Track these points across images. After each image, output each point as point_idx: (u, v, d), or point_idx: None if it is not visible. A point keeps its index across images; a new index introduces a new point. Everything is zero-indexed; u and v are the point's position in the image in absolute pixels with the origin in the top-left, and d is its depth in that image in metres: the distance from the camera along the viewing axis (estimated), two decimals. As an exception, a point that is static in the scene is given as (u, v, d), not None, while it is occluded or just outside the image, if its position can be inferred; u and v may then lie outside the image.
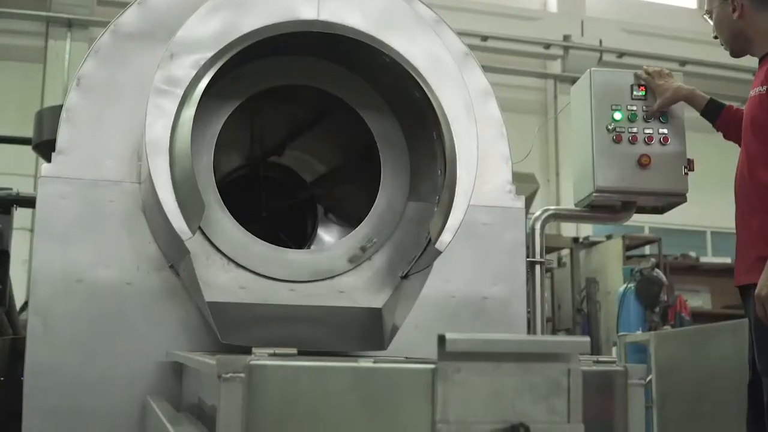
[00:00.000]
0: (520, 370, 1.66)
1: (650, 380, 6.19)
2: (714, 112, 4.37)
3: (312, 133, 4.31)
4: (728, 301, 12.85)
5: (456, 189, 3.40)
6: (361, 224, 3.71)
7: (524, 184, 4.74)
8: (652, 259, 10.73)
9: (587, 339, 1.71)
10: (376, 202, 3.73)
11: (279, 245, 3.61)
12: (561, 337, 1.74)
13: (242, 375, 1.86)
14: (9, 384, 6.71)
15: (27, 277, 3.99)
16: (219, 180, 3.63)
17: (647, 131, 4.43)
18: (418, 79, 3.47)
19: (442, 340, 1.62)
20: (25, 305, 7.18)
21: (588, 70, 4.60)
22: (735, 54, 4.24)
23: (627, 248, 12.94)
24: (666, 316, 10.84)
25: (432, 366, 1.63)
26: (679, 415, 5.65)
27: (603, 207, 4.59)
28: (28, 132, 5.42)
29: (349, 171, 4.33)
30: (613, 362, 2.13)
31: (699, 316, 11.64)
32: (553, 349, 1.68)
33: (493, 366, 1.65)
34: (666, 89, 4.45)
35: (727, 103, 4.42)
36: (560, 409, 1.67)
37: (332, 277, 3.62)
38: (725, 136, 4.36)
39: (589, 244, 13.49)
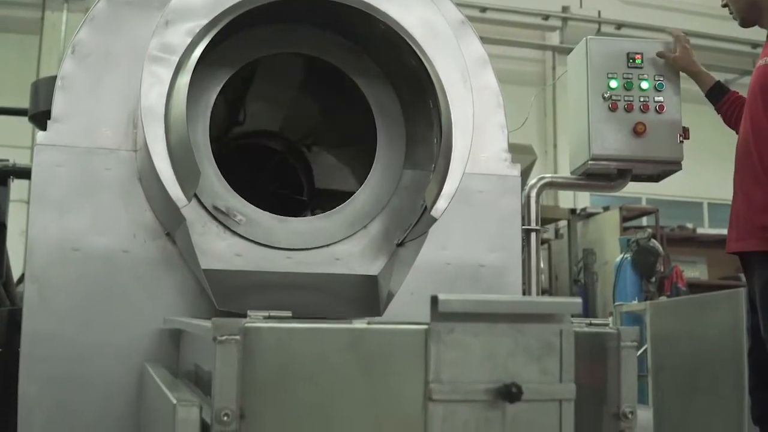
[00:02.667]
0: (513, 331, 1.67)
1: (645, 350, 6.21)
2: (718, 94, 4.37)
3: (305, 100, 4.31)
4: (724, 272, 12.89)
5: (452, 156, 3.41)
6: (357, 192, 3.72)
7: (522, 155, 4.74)
8: (649, 230, 10.77)
9: (579, 300, 1.72)
10: (371, 170, 3.74)
11: (276, 213, 3.62)
12: (553, 298, 1.75)
13: (237, 337, 1.87)
14: (7, 355, 6.75)
15: (24, 249, 4.00)
16: (217, 148, 3.63)
17: (643, 99, 4.43)
18: (414, 47, 3.47)
19: (435, 300, 1.63)
20: (23, 277, 7.20)
21: (584, 38, 4.60)
22: (744, 24, 4.25)
23: (624, 219, 12.96)
24: (662, 287, 10.87)
25: (425, 327, 1.64)
26: (674, 385, 5.67)
27: (599, 175, 4.60)
28: (25, 104, 5.42)
29: (340, 130, 4.32)
30: (606, 325, 2.15)
31: (695, 287, 11.66)
32: (546, 309, 1.69)
33: (485, 327, 1.66)
34: (690, 56, 4.45)
35: (728, 85, 4.44)
36: (552, 369, 1.69)
37: (328, 245, 3.63)
38: (725, 119, 4.36)
39: (587, 215, 13.51)
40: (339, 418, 1.75)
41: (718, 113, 4.39)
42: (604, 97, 4.42)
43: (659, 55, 4.46)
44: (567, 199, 15.21)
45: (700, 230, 14.85)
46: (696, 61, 4.48)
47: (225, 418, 1.83)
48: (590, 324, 2.11)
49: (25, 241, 3.48)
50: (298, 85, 4.25)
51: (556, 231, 14.00)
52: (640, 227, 12.52)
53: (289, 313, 2.01)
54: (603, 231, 13.00)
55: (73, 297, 3.38)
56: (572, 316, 1.80)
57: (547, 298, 1.77)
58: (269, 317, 1.97)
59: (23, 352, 3.32)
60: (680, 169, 4.57)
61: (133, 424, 3.29)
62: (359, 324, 1.77)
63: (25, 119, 5.45)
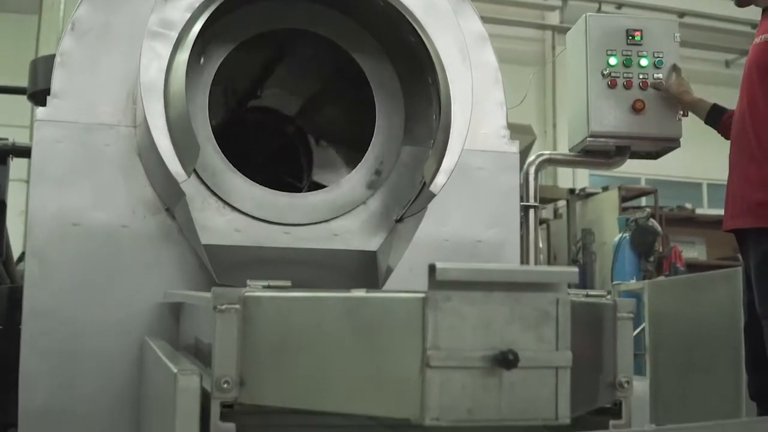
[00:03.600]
0: (510, 300, 1.68)
1: (643, 328, 6.24)
2: (717, 115, 4.38)
3: (324, 94, 4.32)
4: (723, 252, 12.92)
5: (450, 132, 3.42)
6: (356, 168, 3.73)
7: (521, 135, 4.75)
8: (648, 209, 10.79)
9: (575, 269, 1.73)
10: (370, 146, 3.75)
11: (275, 188, 3.63)
12: (550, 267, 1.76)
13: (237, 306, 1.89)
14: (7, 333, 6.77)
15: (24, 228, 4.01)
16: (216, 125, 3.65)
17: (642, 76, 4.45)
18: (413, 23, 3.47)
19: (432, 269, 1.64)
20: (23, 256, 7.22)
21: (584, 14, 4.61)
22: (740, 4, 4.25)
23: (623, 199, 12.99)
24: (661, 267, 10.91)
25: (422, 295, 1.65)
26: (671, 362, 5.70)
27: (597, 152, 4.63)
28: (23, 83, 5.42)
29: (330, 95, 4.33)
30: (603, 296, 2.17)
31: (694, 267, 11.70)
32: (542, 278, 1.71)
33: (483, 295, 1.67)
34: (683, 86, 4.47)
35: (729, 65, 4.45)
36: (549, 337, 1.70)
37: (327, 221, 3.65)
38: (727, 136, 4.36)
39: (585, 195, 13.54)
40: (337, 385, 1.76)
41: (721, 133, 4.38)
42: (603, 74, 4.44)
43: (654, 86, 4.47)
44: (566, 179, 15.24)
45: (699, 211, 14.90)
46: (690, 91, 4.50)
47: (225, 385, 1.85)
48: (588, 295, 2.13)
49: (25, 220, 3.49)
50: (323, 78, 4.25)
51: (555, 211, 14.05)
52: (639, 207, 12.56)
53: (288, 283, 2.03)
54: (602, 211, 13.03)
55: (74, 272, 3.39)
56: (570, 288, 1.81)
57: (543, 267, 1.78)
58: (268, 287, 1.99)
59: (24, 326, 3.34)
60: (679, 146, 4.59)
61: (134, 397, 3.32)
62: (358, 293, 1.79)
63: (23, 98, 5.45)
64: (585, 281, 12.02)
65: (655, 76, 4.47)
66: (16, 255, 6.58)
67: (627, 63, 4.46)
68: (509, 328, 1.70)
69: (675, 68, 4.52)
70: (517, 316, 1.70)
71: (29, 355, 3.33)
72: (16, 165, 5.86)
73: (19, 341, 3.34)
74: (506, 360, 1.66)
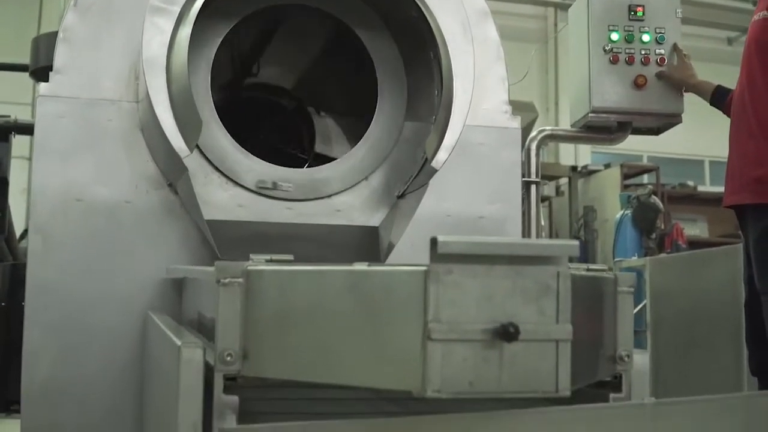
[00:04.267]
0: (511, 273, 1.69)
1: (644, 305, 6.25)
2: (722, 95, 4.37)
3: (321, 66, 4.32)
4: (725, 230, 12.93)
5: (452, 108, 3.42)
6: (357, 145, 3.74)
7: (523, 113, 4.74)
8: (649, 186, 10.79)
9: (576, 242, 1.74)
10: (372, 122, 3.75)
11: (278, 164, 3.64)
12: (551, 240, 1.77)
13: (240, 280, 1.90)
14: (10, 310, 6.80)
15: (26, 205, 4.02)
16: (219, 100, 3.65)
17: (644, 52, 4.44)
18: (415, -2, 3.47)
19: (434, 242, 1.65)
20: (25, 233, 7.24)
21: (586, -11, 4.60)
22: None
23: (625, 177, 13.00)
24: (663, 245, 10.93)
25: (424, 268, 1.66)
26: (672, 340, 5.71)
27: (599, 128, 4.63)
28: (25, 61, 5.42)
29: (332, 70, 4.33)
30: (604, 269, 2.17)
31: (695, 245, 11.71)
32: (543, 251, 1.72)
33: (484, 268, 1.68)
34: (688, 70, 4.47)
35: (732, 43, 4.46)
36: (549, 310, 1.71)
37: (329, 196, 3.66)
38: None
39: (588, 172, 13.54)
40: (339, 358, 1.77)
41: (726, 114, 4.37)
42: (605, 50, 4.44)
43: (658, 75, 4.47)
44: (568, 157, 15.22)
45: (701, 188, 14.89)
46: (694, 74, 4.50)
47: (228, 358, 1.86)
48: (589, 269, 2.14)
49: (27, 199, 3.50)
50: (318, 51, 4.25)
51: (557, 188, 14.04)
52: (641, 185, 12.56)
53: (290, 257, 2.04)
54: (604, 188, 13.04)
55: (77, 247, 3.41)
56: (571, 263, 1.82)
57: (545, 241, 1.80)
58: (271, 261, 2.00)
59: (27, 301, 3.36)
60: (680, 122, 4.59)
61: (137, 371, 3.33)
62: (360, 266, 1.80)
63: (25, 76, 5.45)
64: (587, 258, 12.04)
65: (657, 51, 4.47)
66: (18, 233, 6.59)
67: (629, 38, 4.45)
68: (510, 301, 1.71)
69: (676, 48, 4.51)
70: (518, 289, 1.71)
71: (32, 330, 3.35)
72: (18, 142, 5.86)
73: (21, 318, 3.36)
74: (507, 333, 1.67)
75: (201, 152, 3.46)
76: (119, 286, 3.42)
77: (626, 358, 2.13)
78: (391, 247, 3.48)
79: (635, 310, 2.22)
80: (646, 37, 4.48)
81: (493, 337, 1.68)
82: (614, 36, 4.44)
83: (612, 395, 2.15)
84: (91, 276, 3.40)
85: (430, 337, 1.65)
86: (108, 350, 3.38)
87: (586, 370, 1.98)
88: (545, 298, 1.73)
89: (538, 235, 4.54)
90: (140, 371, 3.33)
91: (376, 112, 3.76)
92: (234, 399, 1.86)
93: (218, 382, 1.86)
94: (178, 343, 1.95)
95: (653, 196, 10.75)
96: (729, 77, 4.51)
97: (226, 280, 1.90)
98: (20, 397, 3.35)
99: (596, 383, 2.14)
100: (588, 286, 2.01)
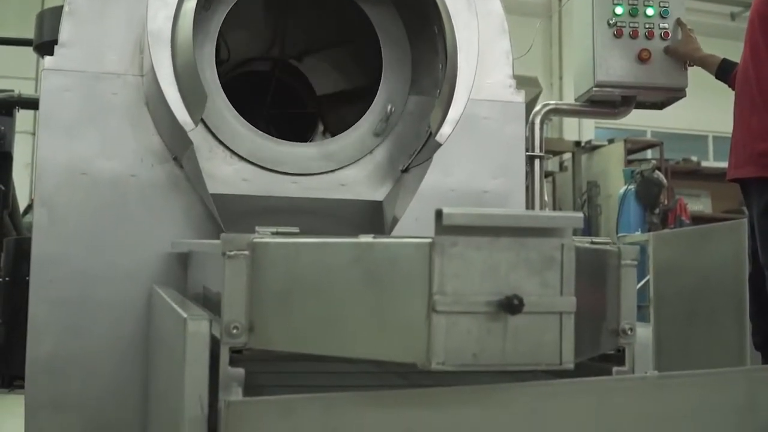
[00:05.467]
0: (515, 245, 1.70)
1: (647, 281, 6.26)
2: (727, 68, 4.36)
3: (334, 47, 4.31)
4: (728, 205, 12.94)
5: (456, 82, 3.42)
6: (362, 118, 3.74)
7: (527, 87, 4.74)
8: (653, 161, 10.78)
9: (580, 214, 1.75)
10: (377, 96, 3.76)
11: (284, 138, 3.65)
12: (555, 212, 1.78)
13: (246, 252, 1.90)
14: (15, 283, 6.83)
15: (30, 180, 4.02)
16: (225, 75, 3.65)
17: (648, 26, 4.44)
18: (419, -29, 3.47)
19: (439, 214, 1.65)
20: (29, 207, 7.27)
21: (591, -37, 4.59)
22: None
23: (629, 152, 12.98)
24: (666, 220, 10.93)
25: (429, 240, 1.67)
26: (676, 315, 5.72)
27: (603, 102, 4.63)
28: (29, 36, 5.42)
29: (337, 43, 4.33)
30: (608, 243, 2.18)
31: (699, 220, 11.71)
32: (548, 223, 1.72)
33: (488, 240, 1.68)
34: (692, 43, 4.46)
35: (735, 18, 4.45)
36: (553, 282, 1.71)
37: (334, 171, 3.66)
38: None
39: (591, 148, 13.52)
40: (344, 330, 1.78)
41: (732, 88, 4.37)
42: (609, 24, 4.43)
43: (665, 50, 4.47)
44: (572, 132, 15.21)
45: (704, 163, 14.88)
46: (699, 47, 4.50)
47: (234, 330, 1.87)
48: (593, 242, 2.14)
49: (31, 172, 3.51)
50: (329, 26, 4.25)
51: (561, 164, 14.03)
52: (645, 160, 12.55)
53: (296, 229, 2.05)
54: (607, 164, 13.03)
55: (82, 220, 3.41)
56: (576, 236, 1.83)
57: (549, 213, 1.80)
58: (277, 233, 2.01)
59: (33, 274, 3.36)
60: (684, 96, 4.59)
61: (142, 346, 3.35)
62: (365, 238, 1.80)
63: (29, 51, 5.45)
64: (590, 233, 12.02)
65: (661, 26, 4.46)
66: (22, 207, 6.61)
67: (633, 12, 4.45)
68: (515, 273, 1.71)
69: (679, 23, 4.51)
70: (522, 261, 1.72)
71: (37, 303, 3.36)
72: (22, 117, 5.87)
73: (25, 293, 3.37)
74: (511, 305, 1.68)
75: (206, 126, 3.47)
76: (124, 260, 3.43)
77: (629, 332, 2.14)
78: (395, 221, 3.49)
79: (638, 286, 2.22)
80: (650, 11, 4.47)
81: (497, 310, 1.69)
82: (618, 10, 4.44)
83: (615, 368, 2.15)
84: (96, 250, 3.41)
85: (434, 309, 1.66)
86: (113, 324, 3.39)
87: (590, 343, 1.98)
88: (549, 270, 1.73)
89: (541, 208, 4.54)
90: (145, 345, 3.34)
91: (380, 85, 3.76)
92: (240, 372, 1.87)
93: (224, 355, 1.87)
94: (184, 315, 1.95)
95: (657, 172, 10.74)
96: (731, 52, 4.51)
97: (232, 253, 1.90)
98: (24, 373, 3.36)
99: (599, 356, 2.15)
100: (592, 259, 2.02)
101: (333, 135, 4.03)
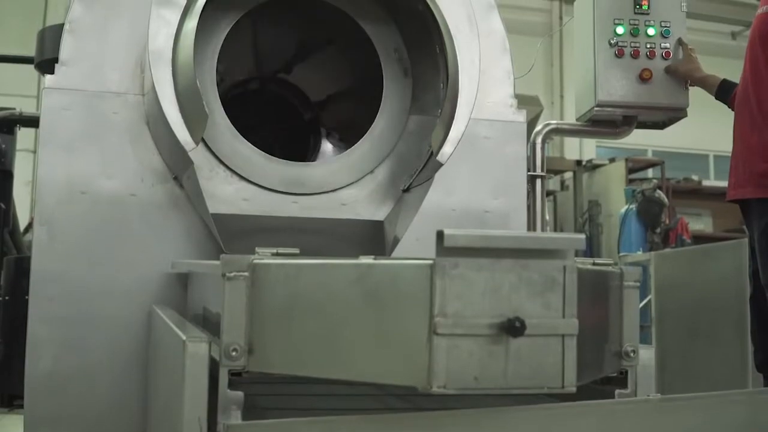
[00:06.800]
0: (517, 266, 1.69)
1: (649, 300, 6.25)
2: (727, 89, 4.36)
3: (322, 54, 4.30)
4: (729, 224, 12.93)
5: (458, 101, 3.41)
6: (362, 138, 3.73)
7: (528, 106, 4.75)
8: (654, 180, 10.77)
9: (582, 236, 1.74)
10: (377, 116, 3.75)
11: (285, 158, 3.64)
12: (557, 234, 1.76)
13: (246, 274, 1.89)
14: (15, 303, 6.82)
15: (30, 198, 4.02)
16: (223, 93, 3.64)
17: (649, 45, 4.44)
18: (421, -9, 3.46)
19: (440, 235, 1.64)
20: (29, 226, 7.26)
21: (592, -17, 4.59)
22: None
23: (630, 171, 12.99)
24: (667, 239, 10.92)
25: (430, 262, 1.66)
26: (677, 334, 5.71)
27: (604, 122, 4.62)
28: (30, 54, 5.41)
29: (356, 94, 4.32)
30: (610, 264, 2.17)
31: (700, 239, 11.71)
32: (549, 245, 1.71)
33: (490, 261, 1.67)
34: (693, 63, 4.47)
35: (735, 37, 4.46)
36: (555, 304, 1.70)
37: (335, 190, 3.65)
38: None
39: (592, 167, 13.53)
40: (345, 353, 1.77)
41: (731, 108, 4.37)
42: (610, 44, 4.43)
43: (666, 70, 4.48)
44: (573, 151, 15.22)
45: (705, 182, 14.88)
46: (700, 67, 4.50)
47: (234, 353, 1.86)
48: (595, 263, 2.13)
49: (31, 191, 3.50)
50: (323, 43, 4.24)
51: (562, 183, 14.04)
52: (646, 179, 12.54)
53: (296, 250, 2.04)
54: (608, 183, 13.03)
55: (82, 239, 3.40)
56: (577, 257, 1.82)
57: (551, 234, 1.79)
58: (277, 254, 2.00)
59: (32, 292, 3.35)
60: (686, 115, 4.59)
61: (141, 365, 3.33)
62: (366, 259, 1.79)
63: (30, 68, 5.45)
64: (592, 253, 12.02)
65: (662, 45, 4.46)
66: (22, 225, 6.60)
67: (634, 32, 4.45)
68: (516, 295, 1.70)
69: (681, 42, 4.51)
70: (524, 282, 1.71)
71: (36, 321, 3.34)
72: (23, 135, 5.87)
73: (25, 312, 3.35)
74: (513, 327, 1.66)
75: (206, 146, 3.46)
76: (124, 279, 3.41)
77: (632, 354, 2.13)
78: (396, 241, 3.47)
79: (640, 306, 2.20)
80: (651, 31, 4.47)
81: (499, 332, 1.68)
82: (619, 29, 4.44)
83: (618, 391, 2.14)
84: (95, 269, 3.40)
85: (435, 331, 1.64)
86: (112, 343, 3.37)
87: (592, 365, 1.97)
88: (551, 292, 1.72)
89: (542, 230, 4.54)
90: (144, 365, 3.33)
91: (381, 104, 3.75)
92: (239, 394, 1.85)
93: (223, 378, 1.86)
94: (183, 337, 1.94)
95: (658, 191, 10.73)
96: (733, 71, 4.51)
97: (232, 274, 1.89)
98: (23, 391, 3.35)
99: (602, 379, 2.14)
100: (594, 280, 2.01)
101: (336, 138, 4.02)
